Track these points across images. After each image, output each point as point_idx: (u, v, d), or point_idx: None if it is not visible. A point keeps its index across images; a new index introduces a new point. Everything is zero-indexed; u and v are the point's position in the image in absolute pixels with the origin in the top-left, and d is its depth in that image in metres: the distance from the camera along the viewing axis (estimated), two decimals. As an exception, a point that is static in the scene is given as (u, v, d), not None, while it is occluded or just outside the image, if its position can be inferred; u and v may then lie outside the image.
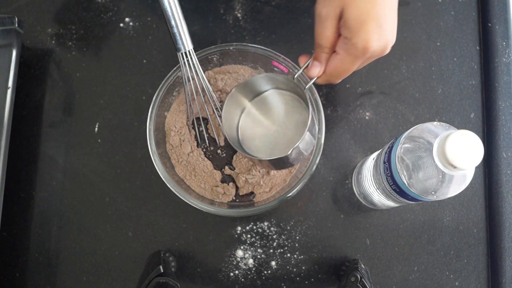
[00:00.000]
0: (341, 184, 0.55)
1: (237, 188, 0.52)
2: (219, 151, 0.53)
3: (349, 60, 0.42)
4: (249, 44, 0.50)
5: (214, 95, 0.50)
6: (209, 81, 0.52)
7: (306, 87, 0.46)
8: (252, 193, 0.52)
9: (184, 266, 0.53)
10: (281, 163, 0.46)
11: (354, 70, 0.44)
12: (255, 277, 0.53)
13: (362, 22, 0.40)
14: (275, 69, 0.52)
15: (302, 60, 0.47)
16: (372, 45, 0.40)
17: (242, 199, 0.52)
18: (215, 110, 0.51)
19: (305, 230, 0.54)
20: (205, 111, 0.53)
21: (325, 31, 0.42)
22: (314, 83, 0.47)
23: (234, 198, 0.52)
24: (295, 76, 0.47)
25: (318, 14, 0.42)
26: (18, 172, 0.55)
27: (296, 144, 0.43)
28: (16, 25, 0.53)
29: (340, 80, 0.46)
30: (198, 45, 0.48)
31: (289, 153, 0.43)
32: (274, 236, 0.53)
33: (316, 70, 0.45)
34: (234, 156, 0.53)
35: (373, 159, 0.48)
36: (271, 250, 0.53)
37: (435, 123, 0.39)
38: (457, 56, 0.58)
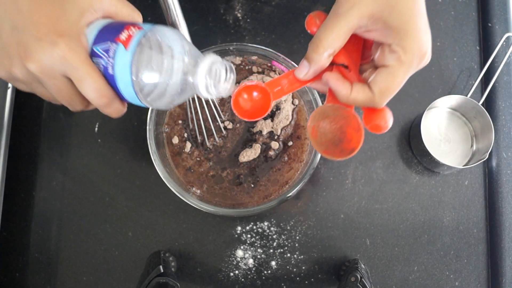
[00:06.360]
0: (341, 184, 0.55)
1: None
2: (219, 150, 0.53)
3: (403, 72, 0.32)
4: (249, 44, 0.50)
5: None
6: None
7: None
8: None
9: (184, 266, 0.53)
10: None
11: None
12: (255, 277, 0.53)
13: (411, 21, 0.31)
14: (275, 69, 0.52)
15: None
16: (429, 47, 0.32)
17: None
18: (214, 111, 0.51)
19: (305, 230, 0.54)
20: (205, 111, 0.53)
21: (340, 30, 0.32)
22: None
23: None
24: None
25: (335, 10, 0.32)
26: (18, 172, 0.55)
27: None
28: (16, 25, 0.53)
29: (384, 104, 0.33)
30: (198, 45, 0.48)
31: None
32: (274, 236, 0.53)
33: (303, 72, 0.34)
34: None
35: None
36: (271, 250, 0.53)
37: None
38: (457, 56, 0.58)
